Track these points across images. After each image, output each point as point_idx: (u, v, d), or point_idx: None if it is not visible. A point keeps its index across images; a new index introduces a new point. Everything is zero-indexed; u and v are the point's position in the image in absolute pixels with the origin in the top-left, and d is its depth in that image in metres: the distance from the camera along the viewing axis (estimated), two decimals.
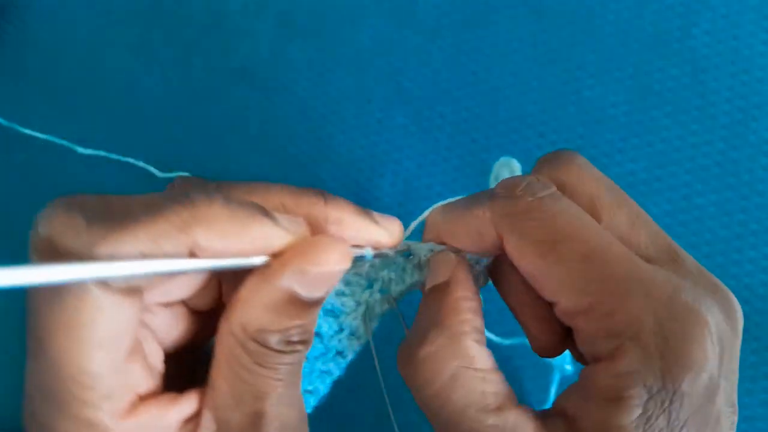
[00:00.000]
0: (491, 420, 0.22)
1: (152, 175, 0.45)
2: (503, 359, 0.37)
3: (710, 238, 0.42)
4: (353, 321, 0.27)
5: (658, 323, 0.20)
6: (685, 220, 0.42)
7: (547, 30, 0.45)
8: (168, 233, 0.20)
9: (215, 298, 0.27)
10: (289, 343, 0.23)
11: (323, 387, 0.28)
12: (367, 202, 0.41)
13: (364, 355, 0.28)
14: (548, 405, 0.35)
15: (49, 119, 0.47)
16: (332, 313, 0.27)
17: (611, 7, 0.45)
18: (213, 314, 0.26)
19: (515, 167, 0.31)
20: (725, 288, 0.23)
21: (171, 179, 0.45)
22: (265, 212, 0.23)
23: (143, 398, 0.23)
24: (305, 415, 0.25)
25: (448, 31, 0.46)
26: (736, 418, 0.22)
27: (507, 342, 0.39)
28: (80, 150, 0.47)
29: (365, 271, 0.27)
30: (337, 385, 0.29)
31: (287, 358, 0.23)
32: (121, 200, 0.21)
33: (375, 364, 0.27)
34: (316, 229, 0.25)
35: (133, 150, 0.46)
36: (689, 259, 0.24)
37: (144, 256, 0.20)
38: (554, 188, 0.25)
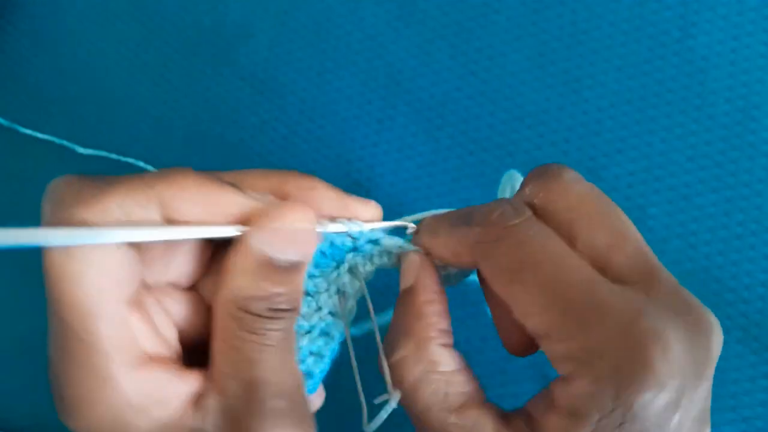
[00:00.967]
0: (452, 419, 0.24)
1: None
2: (504, 359, 0.37)
3: (710, 238, 0.42)
4: (329, 299, 0.28)
5: (613, 349, 0.22)
6: (685, 220, 0.42)
7: (547, 30, 0.45)
8: (139, 190, 0.22)
9: None
10: (275, 310, 0.24)
11: (317, 370, 0.28)
12: None
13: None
14: None
15: (49, 119, 0.47)
16: (307, 292, 0.28)
17: (611, 7, 0.45)
18: None
19: (516, 181, 0.32)
20: (702, 308, 0.24)
21: None
22: (233, 184, 0.24)
23: (154, 360, 0.24)
24: (301, 381, 0.26)
25: (448, 31, 0.46)
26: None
27: None
28: (80, 150, 0.47)
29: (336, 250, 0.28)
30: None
31: (275, 324, 0.24)
32: (113, 177, 0.23)
33: (348, 345, 0.28)
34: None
35: (133, 150, 0.46)
36: (667, 279, 0.24)
37: (118, 216, 0.22)
38: (528, 214, 0.26)
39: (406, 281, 0.28)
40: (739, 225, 0.42)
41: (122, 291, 0.23)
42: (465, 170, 0.44)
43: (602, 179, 0.43)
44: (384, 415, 0.25)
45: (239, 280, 0.24)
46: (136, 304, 0.24)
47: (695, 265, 0.41)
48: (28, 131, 0.47)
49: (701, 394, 0.22)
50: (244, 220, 0.24)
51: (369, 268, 0.29)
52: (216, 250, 0.27)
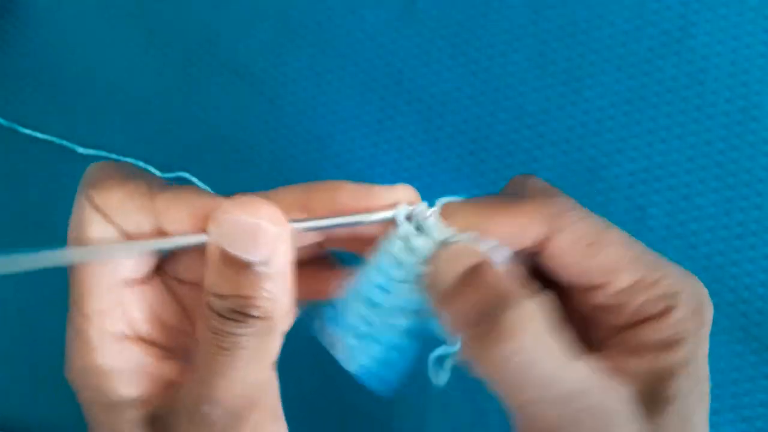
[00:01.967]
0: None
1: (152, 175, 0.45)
2: None
3: (710, 238, 0.42)
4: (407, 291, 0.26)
5: (688, 286, 0.26)
6: (685, 220, 0.42)
7: (547, 30, 0.45)
8: (139, 200, 0.25)
9: None
10: (239, 313, 0.23)
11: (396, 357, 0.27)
12: None
13: None
14: None
15: (49, 119, 0.47)
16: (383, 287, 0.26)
17: (611, 7, 0.45)
18: None
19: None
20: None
21: (171, 179, 0.46)
22: (209, 193, 0.25)
23: (141, 339, 0.26)
24: (259, 402, 0.25)
25: (448, 31, 0.46)
26: None
27: None
28: (80, 150, 0.47)
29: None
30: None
31: (237, 329, 0.23)
32: (138, 178, 0.26)
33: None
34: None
35: (133, 150, 0.46)
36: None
37: (117, 209, 0.25)
38: None
39: (467, 261, 0.25)
40: (739, 225, 0.42)
41: (116, 274, 0.25)
42: (465, 170, 0.44)
43: (602, 179, 0.43)
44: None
45: (206, 273, 0.24)
46: (140, 286, 0.26)
47: (695, 265, 0.41)
48: (28, 131, 0.47)
49: None
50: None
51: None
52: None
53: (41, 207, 0.48)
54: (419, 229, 0.26)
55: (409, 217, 0.26)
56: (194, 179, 0.45)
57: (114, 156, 0.46)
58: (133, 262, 0.26)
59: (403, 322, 0.27)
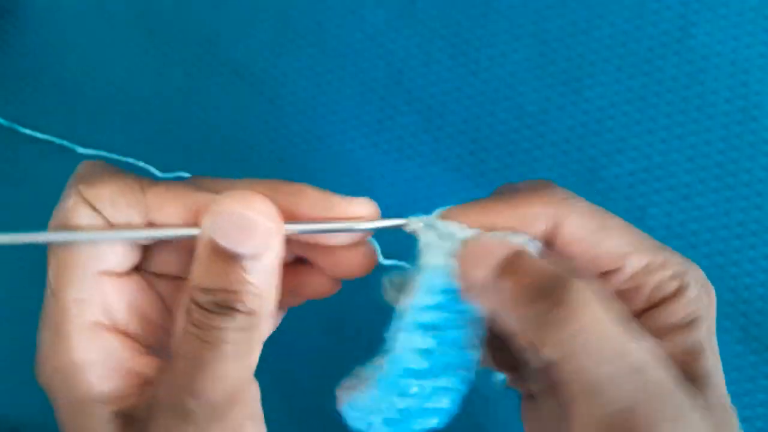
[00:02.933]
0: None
1: (152, 175, 0.45)
2: None
3: (710, 238, 0.42)
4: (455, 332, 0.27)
5: (692, 268, 0.27)
6: (685, 220, 0.42)
7: (547, 30, 0.45)
8: (131, 192, 0.25)
9: None
10: (223, 307, 0.23)
11: (449, 402, 0.27)
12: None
13: None
14: None
15: (49, 119, 0.47)
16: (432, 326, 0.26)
17: (611, 7, 0.45)
18: None
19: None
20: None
21: (171, 179, 0.45)
22: (201, 188, 0.25)
23: (119, 333, 0.26)
24: (240, 399, 0.25)
25: (448, 31, 0.46)
26: None
27: None
28: (80, 150, 0.47)
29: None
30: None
31: (222, 322, 0.23)
32: (126, 174, 0.26)
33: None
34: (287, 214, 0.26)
35: (133, 150, 0.46)
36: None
37: (108, 203, 0.25)
38: None
39: (506, 249, 0.25)
40: (739, 225, 0.42)
41: (99, 263, 0.25)
42: (465, 170, 0.44)
43: (602, 179, 0.43)
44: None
45: (193, 267, 0.24)
46: (120, 278, 0.26)
47: None
48: (28, 131, 0.47)
49: None
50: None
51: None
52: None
53: (41, 207, 0.48)
54: (440, 237, 0.26)
55: (414, 231, 0.27)
56: None
57: (114, 156, 0.46)
58: (116, 256, 0.25)
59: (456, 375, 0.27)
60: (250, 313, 0.24)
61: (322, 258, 0.28)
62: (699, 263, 0.27)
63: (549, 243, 0.26)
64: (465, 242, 0.26)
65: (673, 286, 0.26)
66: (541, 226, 0.26)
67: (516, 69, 0.45)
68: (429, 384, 0.26)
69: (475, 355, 0.27)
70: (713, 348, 0.26)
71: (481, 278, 0.25)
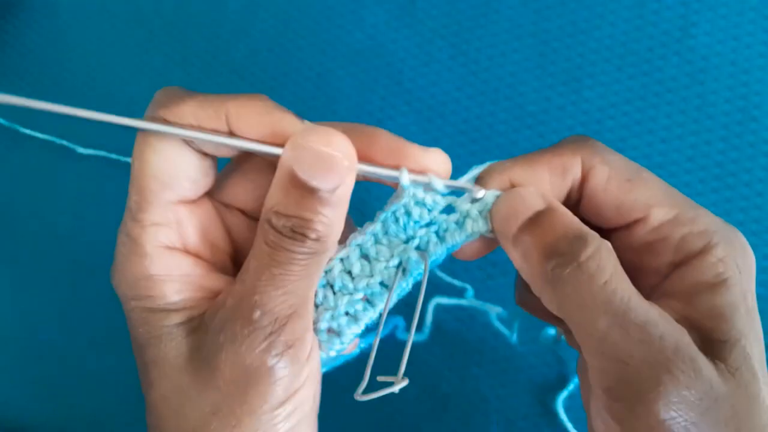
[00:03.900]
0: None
1: None
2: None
3: None
4: (385, 270, 0.28)
5: (721, 223, 0.27)
6: None
7: (547, 30, 0.45)
8: (212, 105, 0.26)
9: None
10: (297, 233, 0.25)
11: (348, 331, 0.28)
12: (367, 202, 0.41)
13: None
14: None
15: (49, 119, 0.47)
16: (366, 257, 0.28)
17: (611, 8, 0.45)
18: None
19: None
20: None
21: None
22: (279, 105, 0.26)
23: (191, 253, 0.28)
24: (300, 314, 0.26)
25: (448, 31, 0.46)
26: None
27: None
28: (80, 150, 0.47)
29: (407, 216, 0.28)
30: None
31: (294, 246, 0.25)
32: (200, 94, 0.28)
33: (381, 320, 0.28)
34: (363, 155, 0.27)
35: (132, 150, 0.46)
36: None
37: (191, 121, 0.26)
38: None
39: (530, 205, 0.26)
40: (739, 225, 0.42)
41: (178, 189, 0.27)
42: (465, 170, 0.44)
43: None
44: (380, 394, 0.26)
45: (271, 191, 0.25)
46: (193, 206, 0.28)
47: None
48: (28, 131, 0.47)
49: None
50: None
51: (440, 249, 0.28)
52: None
53: (41, 207, 0.48)
54: (473, 201, 0.28)
55: (474, 200, 0.28)
56: None
57: (114, 156, 0.46)
58: (190, 182, 0.27)
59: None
60: (319, 239, 0.25)
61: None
62: None
63: (579, 196, 0.28)
64: (499, 197, 0.28)
65: (700, 243, 0.26)
66: (571, 175, 0.27)
67: (516, 69, 0.45)
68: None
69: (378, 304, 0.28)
70: (747, 313, 0.25)
71: (511, 232, 0.27)
